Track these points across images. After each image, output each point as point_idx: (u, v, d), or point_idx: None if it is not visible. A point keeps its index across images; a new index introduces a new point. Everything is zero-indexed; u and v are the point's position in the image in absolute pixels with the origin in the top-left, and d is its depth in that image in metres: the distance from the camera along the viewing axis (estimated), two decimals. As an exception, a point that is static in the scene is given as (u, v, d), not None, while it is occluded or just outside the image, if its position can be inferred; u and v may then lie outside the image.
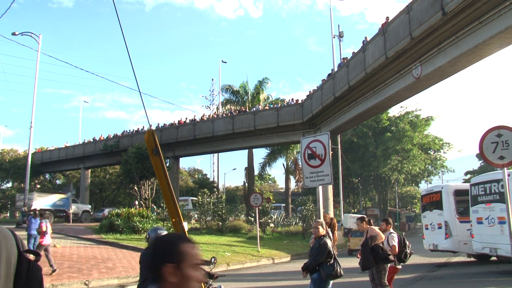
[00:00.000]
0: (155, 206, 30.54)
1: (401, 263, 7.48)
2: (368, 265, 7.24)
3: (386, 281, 7.21)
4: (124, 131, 38.75)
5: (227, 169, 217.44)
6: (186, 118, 34.68)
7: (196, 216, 26.99)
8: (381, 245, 7.17)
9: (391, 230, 7.59)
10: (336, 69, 25.03)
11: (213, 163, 49.50)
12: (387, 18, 18.57)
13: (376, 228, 7.43)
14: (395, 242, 7.32)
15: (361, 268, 7.18)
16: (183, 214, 26.65)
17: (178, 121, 34.74)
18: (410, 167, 43.24)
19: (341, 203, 31.32)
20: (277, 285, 12.41)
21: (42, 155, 45.28)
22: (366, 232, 7.48)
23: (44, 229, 11.61)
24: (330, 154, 9.07)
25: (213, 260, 5.38)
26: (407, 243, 7.50)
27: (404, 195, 61.48)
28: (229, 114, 32.95)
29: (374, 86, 20.37)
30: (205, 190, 28.69)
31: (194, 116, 35.23)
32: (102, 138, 39.57)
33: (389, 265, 7.41)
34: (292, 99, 30.02)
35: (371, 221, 7.89)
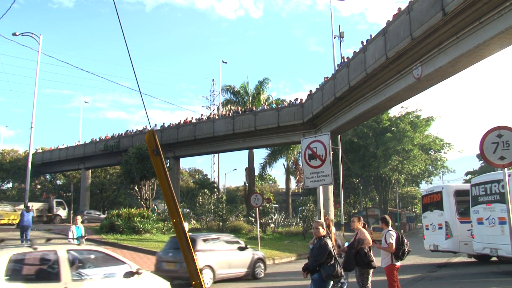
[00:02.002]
0: (156, 206, 30.55)
1: (399, 261, 7.51)
2: (349, 267, 7.43)
3: (369, 285, 7.35)
4: (127, 130, 38.86)
5: (227, 169, 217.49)
6: (192, 118, 34.67)
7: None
8: (366, 250, 7.27)
9: (390, 228, 7.62)
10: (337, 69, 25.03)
11: (214, 164, 49.47)
12: (399, 8, 17.98)
13: (366, 233, 7.46)
14: (392, 240, 7.35)
15: (343, 269, 7.27)
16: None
17: (184, 120, 34.71)
18: (411, 168, 43.23)
19: (342, 203, 31.30)
20: (277, 285, 12.41)
21: (42, 155, 45.32)
22: (356, 234, 7.52)
23: None
24: (331, 154, 9.06)
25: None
26: (405, 240, 7.53)
27: (405, 195, 61.47)
28: (230, 114, 32.96)
29: (375, 86, 20.36)
30: (205, 190, 28.73)
31: (202, 115, 35.28)
32: (107, 137, 39.64)
33: (389, 264, 7.44)
34: (296, 98, 29.90)
35: (365, 224, 7.96)
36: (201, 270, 9.53)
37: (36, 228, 23.23)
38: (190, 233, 15.64)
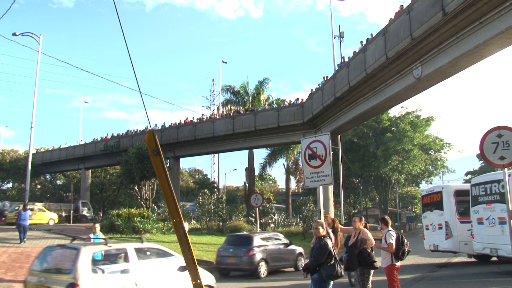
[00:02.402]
0: (155, 207, 30.52)
1: (399, 261, 7.52)
2: (351, 267, 7.50)
3: (369, 285, 7.38)
4: (128, 130, 38.87)
5: (227, 169, 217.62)
6: (193, 118, 34.65)
7: None
8: (368, 250, 7.27)
9: (390, 228, 7.63)
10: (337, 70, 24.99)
11: (214, 164, 49.57)
12: (402, 6, 17.71)
13: (368, 233, 7.46)
14: (392, 240, 7.36)
15: (344, 268, 7.28)
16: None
17: (184, 120, 34.70)
18: (411, 168, 43.20)
19: (342, 203, 31.27)
20: (277, 285, 12.41)
21: (42, 155, 45.27)
22: (358, 233, 7.53)
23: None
24: (331, 154, 9.06)
25: None
26: (405, 241, 7.54)
27: (405, 195, 61.47)
28: (230, 114, 32.94)
29: (375, 86, 20.35)
30: (205, 190, 28.71)
31: (202, 115, 35.23)
32: (107, 137, 39.63)
33: (389, 264, 7.45)
34: (297, 98, 29.81)
35: (366, 224, 8.01)
36: (258, 262, 12.95)
37: (36, 228, 23.24)
38: (245, 232, 17.77)
